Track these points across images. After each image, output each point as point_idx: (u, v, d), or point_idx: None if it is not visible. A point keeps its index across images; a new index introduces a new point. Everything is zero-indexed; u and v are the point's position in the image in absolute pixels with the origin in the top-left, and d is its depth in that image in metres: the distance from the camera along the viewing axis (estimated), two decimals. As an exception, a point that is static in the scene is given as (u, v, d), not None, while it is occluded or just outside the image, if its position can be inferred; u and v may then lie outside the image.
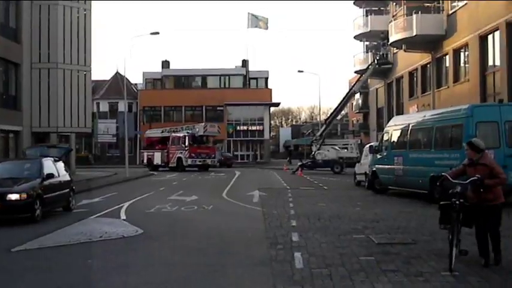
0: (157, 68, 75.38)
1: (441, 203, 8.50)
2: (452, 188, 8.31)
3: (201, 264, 8.84)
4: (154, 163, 48.65)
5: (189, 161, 44.55)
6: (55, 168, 16.42)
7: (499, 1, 24.66)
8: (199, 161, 44.90)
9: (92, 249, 10.41)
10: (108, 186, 28.13)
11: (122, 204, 18.21)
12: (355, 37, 48.18)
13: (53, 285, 7.59)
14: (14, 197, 13.79)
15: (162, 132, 51.07)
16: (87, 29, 36.64)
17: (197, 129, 47.03)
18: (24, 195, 13.88)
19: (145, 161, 51.07)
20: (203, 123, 48.82)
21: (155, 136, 52.45)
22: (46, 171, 15.53)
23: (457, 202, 8.09)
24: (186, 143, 44.91)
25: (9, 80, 30.88)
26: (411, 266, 8.29)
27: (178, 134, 47.21)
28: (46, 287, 7.47)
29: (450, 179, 8.45)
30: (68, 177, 17.47)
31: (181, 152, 44.99)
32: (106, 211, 16.55)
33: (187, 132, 46.50)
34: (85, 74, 36.42)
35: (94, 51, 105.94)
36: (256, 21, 54.34)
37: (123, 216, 15.37)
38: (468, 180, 8.24)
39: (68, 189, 17.02)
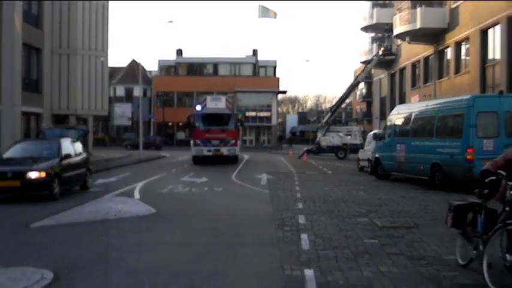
0: (171, 56, 75.32)
1: (457, 204, 7.09)
2: (486, 188, 6.63)
3: (211, 244, 8.71)
4: None
5: (194, 151, 30.35)
6: (73, 149, 16.41)
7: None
8: (208, 151, 29.83)
9: (106, 227, 10.32)
10: (123, 167, 28.13)
11: (135, 184, 18.16)
12: (361, 29, 47.82)
13: (68, 261, 7.49)
14: (33, 175, 13.77)
15: None
16: (105, 18, 36.57)
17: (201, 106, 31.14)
18: (43, 174, 13.85)
19: None
20: (202, 97, 32.71)
21: None
22: (64, 151, 15.51)
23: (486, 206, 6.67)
24: (194, 125, 31.13)
25: (31, 65, 30.79)
26: (414, 250, 8.13)
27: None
28: (62, 262, 7.37)
29: (505, 178, 6.30)
30: (85, 158, 17.44)
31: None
32: (121, 190, 16.50)
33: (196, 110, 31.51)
34: (102, 60, 36.30)
35: (111, 39, 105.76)
36: (266, 12, 53.79)
37: (137, 195, 15.30)
38: None
39: (85, 169, 16.99)
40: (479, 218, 6.73)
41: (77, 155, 16.54)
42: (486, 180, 6.51)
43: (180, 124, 66.44)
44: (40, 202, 13.55)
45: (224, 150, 30.13)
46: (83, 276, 6.77)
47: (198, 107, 30.79)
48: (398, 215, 11.63)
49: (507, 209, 6.07)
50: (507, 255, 5.87)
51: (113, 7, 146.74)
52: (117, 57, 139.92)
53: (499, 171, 6.36)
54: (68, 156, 15.58)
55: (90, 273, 6.90)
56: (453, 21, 31.00)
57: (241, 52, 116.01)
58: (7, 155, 15.58)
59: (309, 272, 6.77)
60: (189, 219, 11.40)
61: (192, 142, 30.87)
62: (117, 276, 6.74)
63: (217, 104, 30.93)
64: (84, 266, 7.31)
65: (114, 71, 67.49)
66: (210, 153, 29.91)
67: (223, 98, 31.90)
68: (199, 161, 30.08)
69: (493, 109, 16.19)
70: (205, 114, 30.41)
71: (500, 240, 6.04)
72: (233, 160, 30.62)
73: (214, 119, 30.39)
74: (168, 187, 17.63)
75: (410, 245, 8.48)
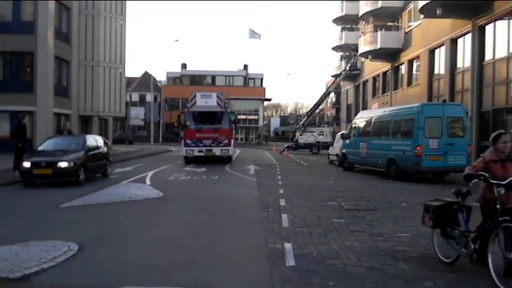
0: (177, 69, 74.98)
1: (437, 204, 5.98)
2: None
3: (208, 221, 8.67)
4: None
5: (185, 151, 23.60)
6: (96, 143, 16.33)
7: (445, 21, 24.30)
8: (200, 151, 23.36)
9: (122, 207, 10.25)
10: (136, 159, 27.90)
11: (147, 173, 18.03)
12: (332, 48, 47.83)
13: (91, 235, 7.42)
14: (63, 164, 13.68)
15: None
16: (123, 36, 36.28)
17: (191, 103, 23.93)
18: (71, 164, 13.78)
19: None
20: (192, 94, 24.21)
21: None
22: (89, 145, 15.42)
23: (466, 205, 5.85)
24: (185, 124, 24.00)
25: (61, 74, 30.49)
26: (373, 228, 8.14)
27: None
28: (86, 236, 7.29)
29: (493, 180, 5.42)
30: (105, 151, 17.30)
31: None
32: (135, 178, 16.37)
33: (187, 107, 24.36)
34: (120, 71, 36.04)
35: (128, 53, 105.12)
36: (254, 34, 53.71)
37: (148, 182, 15.19)
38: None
39: (105, 160, 16.88)
40: (461, 216, 5.78)
41: (99, 148, 16.42)
42: (471, 184, 5.56)
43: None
44: (68, 187, 13.42)
45: (216, 151, 23.46)
46: (103, 248, 6.70)
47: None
48: (360, 200, 11.65)
49: (498, 207, 5.25)
50: (508, 253, 5.02)
51: (129, 26, 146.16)
52: (133, 69, 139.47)
53: (480, 173, 5.47)
54: (92, 149, 15.51)
55: (109, 246, 6.84)
56: (407, 42, 31.09)
57: (234, 66, 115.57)
58: (41, 148, 15.41)
59: (288, 245, 6.75)
60: (190, 201, 11.34)
61: (182, 142, 23.99)
62: (131, 248, 6.68)
63: (207, 101, 23.63)
64: (104, 239, 7.23)
65: (130, 80, 66.93)
66: (201, 154, 23.38)
67: (214, 95, 24.03)
68: (191, 161, 23.88)
69: (437, 115, 16.26)
70: (196, 112, 23.70)
71: (497, 238, 5.16)
72: (226, 160, 24.32)
73: (205, 117, 23.73)
74: (174, 175, 17.53)
75: (371, 224, 8.50)
